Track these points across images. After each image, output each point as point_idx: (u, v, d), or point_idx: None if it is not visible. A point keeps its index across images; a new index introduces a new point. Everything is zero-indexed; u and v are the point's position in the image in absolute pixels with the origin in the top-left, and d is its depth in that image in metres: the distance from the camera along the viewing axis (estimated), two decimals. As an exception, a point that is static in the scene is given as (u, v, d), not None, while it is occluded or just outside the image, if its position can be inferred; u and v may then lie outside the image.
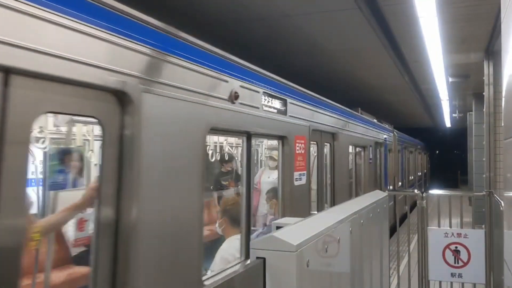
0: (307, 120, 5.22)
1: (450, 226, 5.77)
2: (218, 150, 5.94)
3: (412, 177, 19.44)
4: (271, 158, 6.45)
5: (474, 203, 10.76)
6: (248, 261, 3.09)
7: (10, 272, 1.69)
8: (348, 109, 7.73)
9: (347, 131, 7.23)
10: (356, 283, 3.93)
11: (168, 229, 2.46)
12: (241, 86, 3.48)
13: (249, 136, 3.90)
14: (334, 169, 6.48)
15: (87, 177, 4.32)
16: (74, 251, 3.74)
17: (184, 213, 2.61)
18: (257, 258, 2.52)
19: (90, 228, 3.39)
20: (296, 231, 2.90)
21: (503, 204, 4.29)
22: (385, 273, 5.40)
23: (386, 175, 11.48)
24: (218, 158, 6.10)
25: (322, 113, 5.99)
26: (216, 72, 3.10)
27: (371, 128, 9.65)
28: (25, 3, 1.73)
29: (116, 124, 2.22)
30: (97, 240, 2.14)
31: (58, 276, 3.40)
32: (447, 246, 5.45)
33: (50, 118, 3.42)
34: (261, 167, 7.52)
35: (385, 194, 5.77)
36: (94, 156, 3.98)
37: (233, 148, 6.67)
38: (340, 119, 6.92)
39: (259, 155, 7.78)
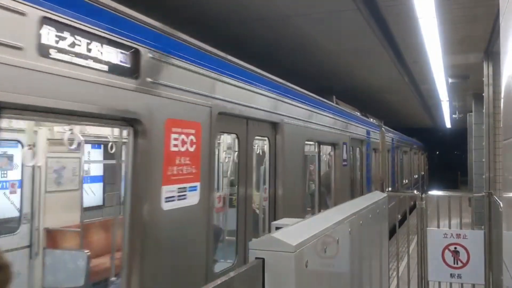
0: (207, 96, 3.43)
1: (450, 227, 5.77)
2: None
3: (407, 181, 17.11)
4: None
5: (474, 204, 10.76)
6: None
7: None
8: (305, 91, 5.80)
9: (303, 122, 5.44)
10: (355, 284, 3.93)
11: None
12: None
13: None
14: (276, 176, 4.71)
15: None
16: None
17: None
18: (256, 258, 2.53)
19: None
20: (295, 231, 2.91)
21: (502, 205, 4.29)
22: (385, 273, 5.41)
23: (370, 180, 9.46)
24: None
25: (250, 91, 4.14)
26: None
27: (345, 121, 7.59)
28: None
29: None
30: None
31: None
32: (447, 247, 5.46)
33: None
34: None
35: (384, 195, 5.78)
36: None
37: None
38: (290, 103, 5.12)
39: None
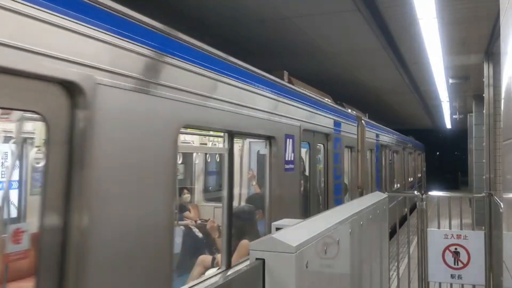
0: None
1: (450, 228, 5.77)
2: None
3: (398, 185, 14.49)
4: None
5: (474, 205, 10.76)
6: None
7: None
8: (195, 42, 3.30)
9: (177, 91, 2.98)
10: (355, 285, 3.93)
11: None
12: None
13: None
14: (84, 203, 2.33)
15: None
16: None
17: None
18: (257, 259, 2.53)
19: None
20: (295, 232, 2.91)
21: (502, 206, 4.30)
22: (385, 274, 5.41)
23: (339, 189, 6.99)
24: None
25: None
26: None
27: (292, 104, 5.18)
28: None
29: None
30: None
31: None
32: (447, 248, 5.46)
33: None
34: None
35: (384, 195, 5.78)
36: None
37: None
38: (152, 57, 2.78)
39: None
